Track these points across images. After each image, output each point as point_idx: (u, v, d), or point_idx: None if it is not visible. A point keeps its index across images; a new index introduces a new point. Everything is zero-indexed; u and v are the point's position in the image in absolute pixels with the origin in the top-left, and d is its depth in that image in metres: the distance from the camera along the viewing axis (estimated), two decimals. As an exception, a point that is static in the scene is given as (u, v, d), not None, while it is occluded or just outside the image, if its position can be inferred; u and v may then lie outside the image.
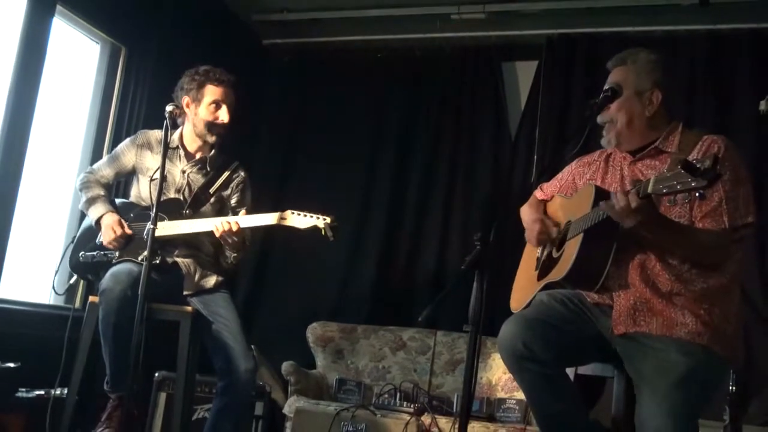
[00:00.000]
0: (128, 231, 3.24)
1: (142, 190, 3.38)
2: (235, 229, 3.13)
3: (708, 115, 4.51)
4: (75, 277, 3.41)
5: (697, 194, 2.01)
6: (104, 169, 3.45)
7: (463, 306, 2.21)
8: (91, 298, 3.24)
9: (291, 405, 4.21)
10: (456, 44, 5.31)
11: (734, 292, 2.38)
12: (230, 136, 3.47)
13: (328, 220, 3.08)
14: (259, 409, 4.24)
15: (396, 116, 5.40)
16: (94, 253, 3.27)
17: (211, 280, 3.35)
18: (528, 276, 2.73)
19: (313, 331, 4.92)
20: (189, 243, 3.33)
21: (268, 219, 3.16)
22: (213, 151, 3.40)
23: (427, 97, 5.37)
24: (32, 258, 4.18)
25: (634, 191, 2.13)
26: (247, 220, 3.20)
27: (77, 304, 4.17)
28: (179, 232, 3.23)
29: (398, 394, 4.40)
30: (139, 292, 2.82)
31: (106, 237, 3.22)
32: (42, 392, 3.46)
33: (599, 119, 2.53)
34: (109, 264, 3.20)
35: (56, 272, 3.41)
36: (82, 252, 3.30)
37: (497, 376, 4.49)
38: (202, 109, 3.32)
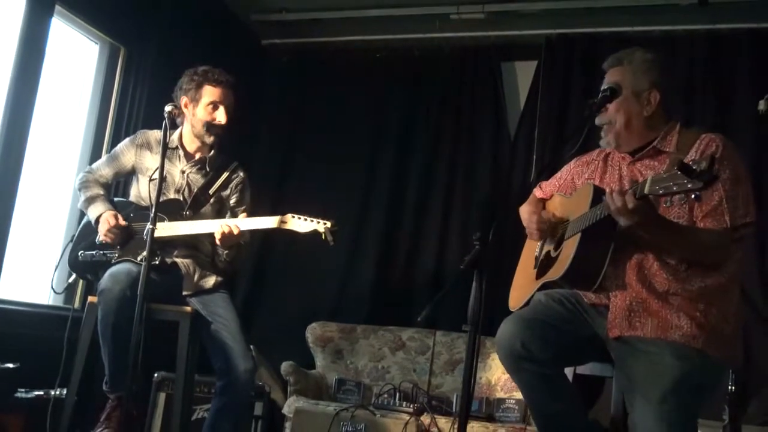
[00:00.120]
0: (122, 222, 3.24)
1: (141, 190, 3.38)
2: (236, 233, 3.13)
3: (707, 115, 4.51)
4: (74, 276, 3.41)
5: (693, 196, 2.00)
6: (103, 168, 3.45)
7: (462, 306, 2.22)
8: (90, 299, 3.24)
9: (290, 405, 4.21)
10: (455, 44, 5.31)
11: (733, 292, 2.37)
12: (229, 136, 3.47)
13: (329, 224, 3.08)
14: (258, 409, 4.24)
15: (395, 116, 5.40)
16: (93, 252, 3.27)
17: (211, 281, 3.35)
18: (526, 275, 2.73)
19: (313, 331, 4.92)
20: (188, 243, 3.33)
21: (269, 222, 3.16)
22: (212, 152, 3.40)
23: (427, 97, 5.37)
24: (31, 258, 4.18)
25: (630, 192, 2.12)
26: (247, 223, 3.20)
27: (76, 304, 4.17)
28: (179, 233, 3.23)
29: (397, 394, 4.40)
30: (138, 293, 2.82)
31: (101, 229, 3.22)
32: (41, 392, 3.46)
33: (597, 120, 2.52)
34: (108, 264, 3.20)
35: (55, 271, 3.40)
36: (81, 251, 3.30)
37: (496, 375, 4.49)
38: (200, 109, 3.32)
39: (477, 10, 5.00)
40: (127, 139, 3.50)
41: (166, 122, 2.99)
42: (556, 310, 2.50)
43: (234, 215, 3.34)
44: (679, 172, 1.94)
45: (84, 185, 3.40)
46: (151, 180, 3.32)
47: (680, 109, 4.18)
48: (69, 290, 4.01)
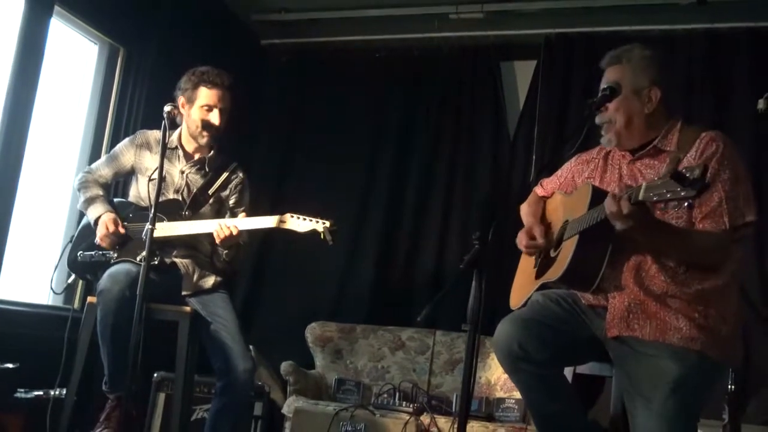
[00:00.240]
0: (121, 230, 3.24)
1: (141, 190, 3.38)
2: (235, 233, 3.13)
3: (706, 114, 4.51)
4: (73, 276, 3.41)
5: (685, 204, 1.99)
6: (103, 168, 3.45)
7: (461, 306, 2.22)
8: (89, 299, 3.24)
9: (290, 405, 4.22)
10: (454, 44, 5.31)
11: (732, 293, 2.36)
12: (229, 136, 3.47)
13: (328, 224, 3.08)
14: (258, 409, 4.24)
15: (395, 116, 5.40)
16: (93, 252, 3.27)
17: (210, 281, 3.35)
18: (527, 274, 2.73)
19: (312, 331, 4.92)
20: (187, 243, 3.33)
21: (268, 222, 3.16)
22: (212, 152, 3.40)
23: (426, 96, 5.37)
24: (31, 258, 4.18)
25: (626, 197, 2.11)
26: (246, 223, 3.20)
27: (76, 304, 4.17)
28: (178, 233, 3.23)
29: (397, 394, 4.40)
30: (138, 293, 2.82)
31: (99, 233, 3.22)
32: (41, 393, 3.45)
33: (598, 120, 2.50)
34: (107, 264, 3.20)
35: (54, 271, 3.40)
36: (81, 251, 3.30)
37: (496, 375, 4.49)
38: (195, 110, 3.32)
39: (476, 9, 5.00)
40: (126, 140, 3.50)
41: (165, 122, 2.99)
42: (554, 311, 2.50)
43: (233, 215, 3.33)
44: (671, 180, 1.94)
45: (83, 185, 3.40)
46: (150, 180, 3.32)
47: (679, 107, 4.17)
48: (68, 290, 4.00)
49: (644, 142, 2.46)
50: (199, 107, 3.31)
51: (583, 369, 2.68)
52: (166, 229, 3.18)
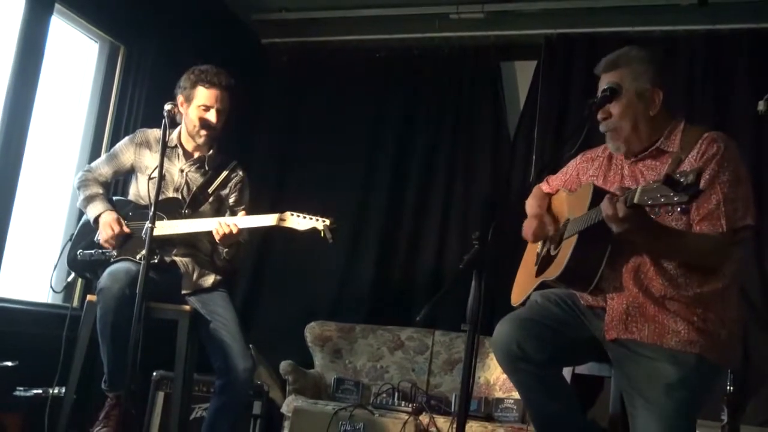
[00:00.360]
0: (126, 230, 3.24)
1: (140, 189, 3.38)
2: (234, 231, 3.13)
3: (706, 115, 4.50)
4: (73, 275, 3.41)
5: (678, 209, 1.99)
6: (102, 167, 3.45)
7: (461, 305, 2.21)
8: (89, 297, 3.24)
9: (289, 404, 4.21)
10: (455, 44, 5.31)
11: (731, 295, 2.35)
12: (229, 135, 3.47)
13: (328, 222, 3.08)
14: (257, 408, 4.24)
15: (395, 116, 5.40)
16: (92, 251, 3.27)
17: (210, 279, 3.35)
18: (528, 271, 2.73)
19: (312, 330, 4.92)
20: (187, 242, 3.33)
21: (268, 220, 3.16)
22: (211, 151, 3.40)
23: (426, 96, 5.37)
24: (30, 256, 4.18)
25: (621, 200, 2.10)
26: (246, 221, 3.19)
27: (75, 302, 4.17)
28: (178, 231, 3.23)
29: (396, 394, 4.40)
30: (137, 291, 2.82)
31: (103, 235, 3.22)
32: (40, 391, 3.46)
33: (602, 128, 2.48)
34: (106, 262, 3.20)
35: (54, 270, 3.40)
36: (80, 250, 3.30)
37: (495, 375, 4.49)
38: (192, 109, 3.31)
39: (477, 9, 5.00)
40: (126, 138, 3.50)
41: (165, 121, 2.99)
42: (553, 312, 2.50)
43: (233, 214, 3.33)
44: (664, 185, 1.94)
45: (83, 184, 3.40)
46: (150, 179, 3.32)
47: (680, 108, 4.18)
48: (68, 289, 4.00)
49: (649, 143, 2.44)
50: (196, 107, 3.30)
51: (581, 369, 2.68)
52: (165, 227, 3.18)
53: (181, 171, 3.37)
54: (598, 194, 2.36)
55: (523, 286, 2.73)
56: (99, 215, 3.26)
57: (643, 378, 2.27)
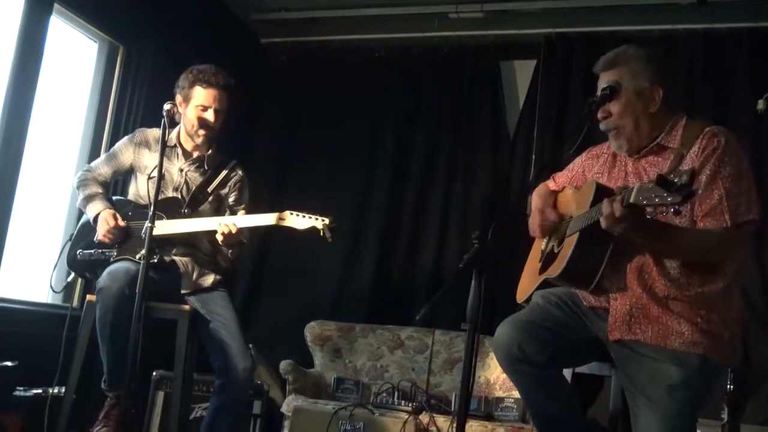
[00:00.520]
0: (121, 223, 3.23)
1: (140, 189, 3.38)
2: (234, 231, 3.12)
3: (706, 114, 4.49)
4: (72, 274, 3.40)
5: (672, 210, 1.99)
6: (102, 167, 3.45)
7: (461, 305, 2.21)
8: (88, 297, 3.23)
9: (289, 404, 4.21)
10: (454, 43, 5.31)
11: (734, 295, 2.35)
12: (228, 134, 3.46)
13: (327, 221, 3.08)
14: (257, 407, 4.24)
15: (394, 115, 5.40)
16: (92, 251, 3.27)
17: (209, 279, 3.34)
18: (533, 267, 2.73)
19: (311, 330, 4.92)
20: (187, 241, 3.33)
21: (267, 219, 3.16)
22: (210, 150, 3.40)
23: (425, 96, 5.37)
24: (30, 256, 4.18)
25: (618, 199, 2.10)
26: (245, 220, 3.19)
27: (75, 302, 4.16)
28: (177, 231, 3.23)
29: (396, 393, 4.40)
30: (137, 291, 2.82)
31: (100, 229, 3.22)
32: (40, 391, 3.45)
33: (602, 126, 2.48)
34: (106, 262, 3.20)
35: (54, 269, 3.40)
36: (80, 250, 3.30)
37: (495, 374, 4.49)
38: (190, 109, 3.31)
39: (476, 9, 5.01)
40: (125, 138, 3.49)
41: (164, 120, 2.99)
42: (553, 314, 2.50)
43: (233, 213, 3.33)
44: (657, 186, 1.93)
45: (82, 183, 3.40)
46: (149, 178, 3.32)
47: (680, 108, 4.18)
48: (68, 289, 4.00)
49: (650, 140, 2.44)
50: (194, 107, 3.30)
51: (582, 368, 2.68)
52: (165, 227, 3.18)
53: (181, 170, 3.37)
54: (601, 192, 2.36)
55: (527, 283, 2.73)
56: (98, 214, 3.26)
57: (646, 378, 2.27)
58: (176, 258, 3.30)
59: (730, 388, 3.46)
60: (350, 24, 5.40)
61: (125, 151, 3.42)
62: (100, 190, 3.38)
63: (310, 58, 5.60)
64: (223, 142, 3.48)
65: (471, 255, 2.16)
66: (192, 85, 3.29)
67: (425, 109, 5.35)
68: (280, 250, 5.35)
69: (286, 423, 4.16)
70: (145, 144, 3.40)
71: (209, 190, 3.38)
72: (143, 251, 2.88)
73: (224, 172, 3.42)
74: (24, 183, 3.91)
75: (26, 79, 3.83)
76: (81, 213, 3.44)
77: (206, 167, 3.40)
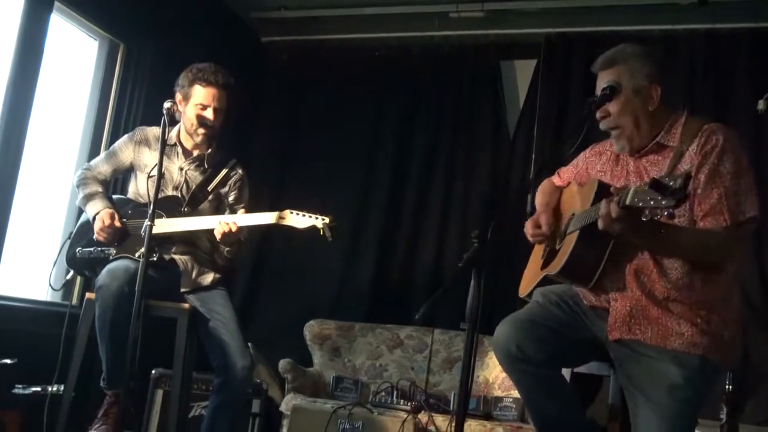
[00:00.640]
0: (117, 223, 3.23)
1: (139, 187, 3.37)
2: (234, 230, 3.12)
3: (706, 114, 4.44)
4: (72, 272, 3.40)
5: (665, 213, 1.99)
6: (102, 165, 3.45)
7: (460, 304, 2.21)
8: (88, 295, 3.23)
9: (288, 402, 4.21)
10: (454, 42, 5.30)
11: (734, 295, 2.34)
12: (228, 133, 3.46)
13: (327, 220, 3.07)
14: (256, 406, 4.24)
15: (394, 114, 5.40)
16: (92, 249, 3.27)
17: (209, 278, 3.34)
18: (536, 262, 2.74)
19: (311, 328, 4.92)
20: (186, 240, 3.33)
21: (267, 218, 3.15)
22: (210, 149, 3.40)
23: (426, 95, 5.36)
24: (29, 254, 4.18)
25: (615, 201, 2.10)
26: (245, 219, 3.19)
27: (74, 300, 4.17)
28: (177, 229, 3.23)
29: (395, 392, 4.40)
30: (137, 289, 2.82)
31: (95, 227, 3.22)
32: (39, 389, 3.46)
33: (603, 126, 2.48)
34: (106, 260, 3.20)
35: (53, 267, 3.40)
36: (79, 248, 3.30)
37: (494, 374, 4.50)
38: (190, 108, 3.30)
39: (476, 8, 5.00)
40: (125, 136, 3.49)
41: (164, 119, 2.99)
42: (553, 313, 2.49)
43: (233, 212, 3.33)
44: (651, 189, 1.93)
45: (82, 182, 3.40)
46: (149, 177, 3.32)
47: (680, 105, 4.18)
48: (67, 286, 4.02)
49: (649, 139, 2.43)
50: (193, 105, 3.29)
51: (581, 368, 2.68)
52: (165, 225, 3.18)
53: (181, 169, 3.37)
54: (603, 190, 2.36)
55: (529, 278, 2.74)
56: (98, 213, 3.26)
57: (646, 378, 2.28)
58: (176, 256, 3.30)
59: (728, 388, 3.46)
60: (350, 23, 5.39)
61: (125, 149, 3.42)
62: (99, 189, 3.38)
63: (310, 56, 5.60)
64: (223, 141, 3.48)
65: (470, 254, 2.16)
66: (192, 83, 3.29)
67: (425, 108, 5.35)
68: (279, 249, 5.35)
69: (285, 422, 4.16)
70: (145, 142, 3.40)
71: (209, 188, 3.38)
72: (143, 249, 2.88)
73: (224, 171, 3.42)
74: (24, 181, 3.92)
75: (26, 77, 3.83)
76: (81, 211, 3.44)
77: (206, 166, 3.40)
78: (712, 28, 4.67)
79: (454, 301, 4.04)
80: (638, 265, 2.35)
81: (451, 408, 4.22)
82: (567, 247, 2.41)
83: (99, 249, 3.25)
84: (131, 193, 3.42)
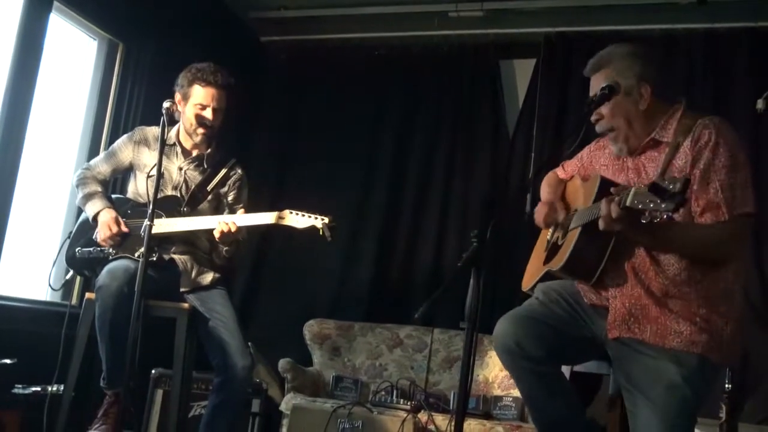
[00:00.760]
0: (125, 229, 3.24)
1: (139, 187, 3.37)
2: (233, 229, 3.12)
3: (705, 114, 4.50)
4: (71, 272, 3.40)
5: (665, 216, 1.99)
6: (101, 165, 3.45)
7: (459, 303, 2.22)
8: (87, 295, 3.23)
9: (288, 402, 4.21)
10: (454, 42, 5.31)
11: (735, 293, 2.33)
12: (228, 133, 3.46)
13: (326, 220, 3.07)
14: (255, 406, 4.24)
15: (394, 114, 5.40)
16: (91, 249, 3.27)
17: (208, 277, 3.35)
18: (538, 257, 2.74)
19: (310, 328, 4.92)
20: (186, 240, 3.33)
21: (267, 218, 3.15)
22: (210, 149, 3.40)
23: (425, 95, 5.36)
24: (29, 254, 4.18)
25: (616, 201, 2.10)
26: (245, 219, 3.19)
27: (74, 300, 4.17)
28: (176, 229, 3.23)
29: (395, 392, 4.41)
30: (136, 289, 2.82)
31: (101, 234, 3.22)
32: (38, 389, 3.46)
33: (598, 128, 2.48)
34: (105, 260, 3.20)
35: (53, 267, 3.40)
36: (79, 248, 3.30)
37: (494, 373, 4.50)
38: (189, 108, 3.30)
39: (476, 7, 5.00)
40: (124, 136, 3.49)
41: (164, 119, 2.99)
42: (553, 310, 2.50)
43: (232, 212, 3.33)
44: (650, 192, 1.94)
45: (82, 182, 3.40)
46: (148, 176, 3.32)
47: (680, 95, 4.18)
48: (66, 286, 4.02)
49: (645, 137, 2.43)
50: (192, 105, 3.29)
51: (580, 367, 2.69)
52: (164, 225, 3.18)
53: (180, 169, 3.37)
54: (604, 187, 2.36)
55: (532, 272, 2.75)
56: (97, 213, 3.26)
57: (644, 377, 2.28)
58: (175, 256, 3.30)
59: (728, 387, 3.46)
60: (350, 22, 5.39)
61: (124, 149, 3.42)
62: (99, 189, 3.38)
63: (310, 56, 5.60)
64: (223, 141, 3.48)
65: (470, 254, 2.16)
66: (191, 83, 3.29)
67: (425, 107, 5.35)
68: (279, 249, 5.35)
69: (285, 421, 4.16)
70: (145, 142, 3.40)
71: (208, 188, 3.38)
72: (142, 249, 2.88)
73: (223, 171, 3.42)
74: (23, 180, 3.91)
75: (26, 76, 3.83)
76: (80, 211, 3.44)
77: (205, 166, 3.40)
78: (712, 27, 4.67)
79: (454, 300, 4.06)
80: (636, 262, 2.35)
81: (451, 407, 4.22)
82: (569, 243, 2.42)
83: (98, 249, 3.25)
84: (130, 192, 3.42)
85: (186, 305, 3.26)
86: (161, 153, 2.99)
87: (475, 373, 4.31)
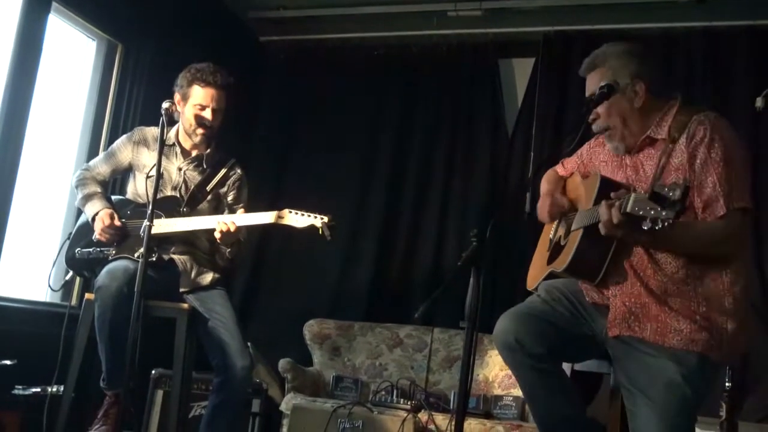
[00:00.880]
0: (117, 222, 3.23)
1: (138, 187, 3.37)
2: (233, 229, 3.12)
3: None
4: (71, 273, 3.40)
5: (665, 224, 1.99)
6: (100, 166, 3.45)
7: (459, 303, 2.22)
8: (87, 295, 3.23)
9: (288, 402, 4.22)
10: (453, 41, 5.31)
11: (735, 292, 2.31)
12: (227, 133, 3.46)
13: (326, 219, 3.07)
14: (255, 406, 4.24)
15: (393, 113, 5.40)
16: (90, 249, 3.27)
17: (208, 277, 3.34)
18: (542, 255, 2.74)
19: (310, 328, 4.92)
20: (185, 240, 3.32)
21: (266, 218, 3.15)
22: (209, 149, 3.40)
23: (424, 94, 5.37)
24: (28, 255, 4.18)
25: (617, 206, 2.10)
26: (244, 218, 3.19)
27: (74, 301, 4.17)
28: (176, 229, 3.23)
29: (395, 391, 4.41)
30: (136, 289, 2.81)
31: (96, 229, 3.22)
32: (38, 389, 3.46)
33: (595, 128, 2.49)
34: (105, 261, 3.20)
35: (52, 268, 3.40)
36: (78, 248, 3.29)
37: (494, 373, 4.50)
38: (188, 108, 3.29)
39: (474, 7, 5.00)
40: (124, 136, 3.49)
41: (163, 119, 2.98)
42: (555, 309, 2.50)
43: (232, 212, 3.33)
44: (650, 200, 1.95)
45: (81, 182, 3.40)
46: (148, 177, 3.31)
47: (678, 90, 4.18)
48: (66, 287, 4.02)
49: (641, 135, 2.43)
50: (192, 105, 3.29)
51: (580, 366, 2.68)
52: (164, 225, 3.17)
53: (179, 169, 3.37)
54: (605, 186, 2.37)
55: (536, 272, 2.75)
56: (96, 214, 3.25)
57: (644, 375, 2.27)
58: (175, 256, 3.30)
59: (728, 385, 3.46)
60: (349, 22, 5.39)
61: (124, 149, 3.42)
62: (98, 189, 3.37)
63: (309, 56, 5.60)
64: (222, 141, 3.48)
65: (469, 253, 2.16)
66: (190, 83, 3.28)
67: (424, 107, 5.35)
68: (278, 249, 5.35)
69: (285, 421, 4.16)
70: (144, 142, 3.40)
71: (208, 188, 3.38)
72: (142, 250, 2.87)
73: (223, 171, 3.42)
74: (23, 181, 3.91)
75: (25, 77, 3.83)
76: (80, 211, 3.44)
77: (205, 166, 3.39)
78: (710, 25, 4.68)
79: (454, 299, 4.06)
80: (634, 261, 2.36)
81: (451, 407, 4.22)
82: (572, 244, 2.42)
83: (98, 249, 3.25)
84: (130, 193, 3.42)
85: (186, 305, 3.26)
86: (160, 153, 2.98)
87: (475, 373, 4.31)
